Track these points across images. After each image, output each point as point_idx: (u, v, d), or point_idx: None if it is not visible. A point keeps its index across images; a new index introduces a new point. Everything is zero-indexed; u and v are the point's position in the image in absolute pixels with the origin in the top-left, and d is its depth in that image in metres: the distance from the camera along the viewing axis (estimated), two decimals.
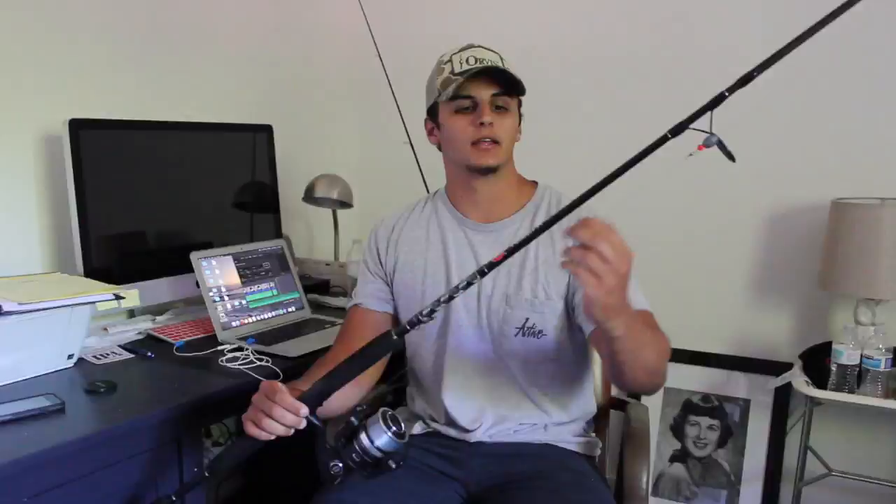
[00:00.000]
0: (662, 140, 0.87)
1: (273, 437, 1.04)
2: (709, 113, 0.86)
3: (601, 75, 2.20)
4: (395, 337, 1.01)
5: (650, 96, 2.12)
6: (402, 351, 1.41)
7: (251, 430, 1.04)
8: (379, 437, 1.00)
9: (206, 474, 1.10)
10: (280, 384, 1.05)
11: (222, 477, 2.06)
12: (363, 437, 1.00)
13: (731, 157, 0.87)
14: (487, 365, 1.31)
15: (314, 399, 1.04)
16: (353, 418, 1.02)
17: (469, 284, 0.96)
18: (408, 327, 1.00)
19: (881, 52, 1.85)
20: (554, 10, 2.26)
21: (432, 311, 0.98)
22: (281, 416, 1.02)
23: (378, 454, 1.00)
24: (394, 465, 1.01)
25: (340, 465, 1.01)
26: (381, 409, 1.02)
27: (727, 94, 0.86)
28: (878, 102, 1.87)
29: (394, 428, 1.01)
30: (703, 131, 0.85)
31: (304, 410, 1.02)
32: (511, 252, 0.94)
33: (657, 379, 1.18)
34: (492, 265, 0.95)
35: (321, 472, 1.03)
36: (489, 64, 1.24)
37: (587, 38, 2.21)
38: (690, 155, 0.85)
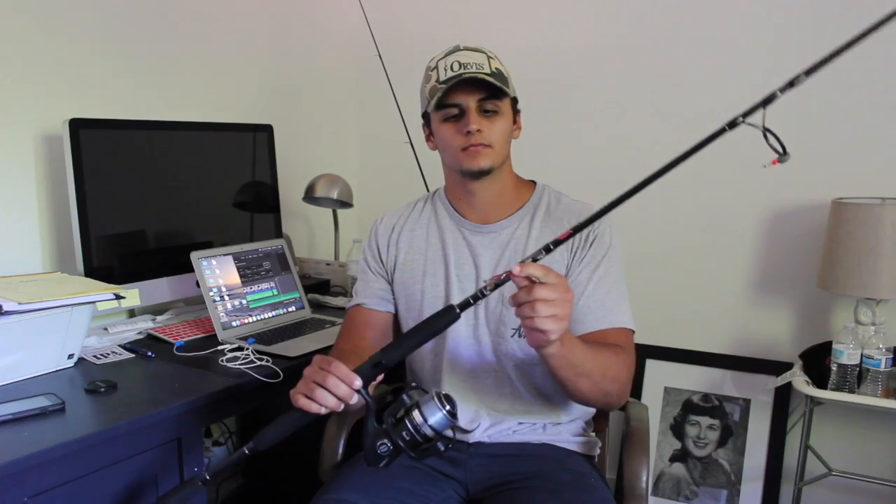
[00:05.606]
0: (720, 132, 0.91)
1: (323, 411, 1.01)
2: (762, 110, 0.90)
3: (600, 74, 2.20)
4: (457, 311, 1.00)
5: (649, 96, 2.12)
6: None
7: (301, 402, 1.01)
8: (433, 416, 0.98)
9: (247, 452, 1.06)
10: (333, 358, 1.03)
11: (225, 476, 2.06)
12: (416, 414, 0.98)
13: (783, 151, 0.92)
14: (484, 366, 1.31)
15: (368, 372, 1.02)
16: (405, 396, 1.01)
17: (535, 260, 0.97)
18: (471, 301, 0.99)
19: (881, 51, 1.85)
20: (552, 9, 2.26)
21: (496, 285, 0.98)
22: (335, 385, 0.99)
23: (430, 433, 0.98)
24: (442, 448, 1.00)
25: (389, 444, 0.99)
26: (434, 390, 1.01)
27: (779, 93, 0.91)
28: (879, 102, 1.87)
29: (447, 407, 0.99)
30: (755, 126, 0.90)
31: (358, 382, 1.00)
32: (577, 230, 0.98)
33: (608, 398, 1.19)
34: (557, 242, 0.97)
35: (366, 454, 1.01)
36: (473, 69, 1.22)
37: (585, 36, 2.21)
38: (765, 167, 0.91)
